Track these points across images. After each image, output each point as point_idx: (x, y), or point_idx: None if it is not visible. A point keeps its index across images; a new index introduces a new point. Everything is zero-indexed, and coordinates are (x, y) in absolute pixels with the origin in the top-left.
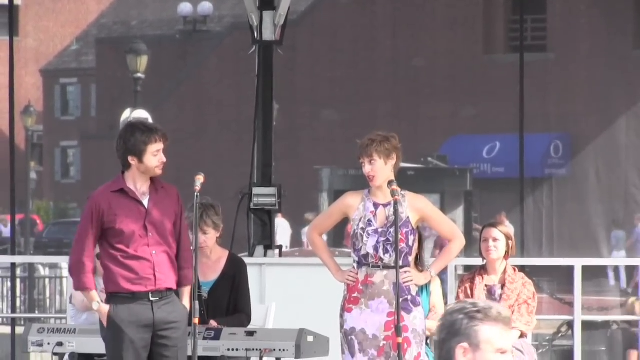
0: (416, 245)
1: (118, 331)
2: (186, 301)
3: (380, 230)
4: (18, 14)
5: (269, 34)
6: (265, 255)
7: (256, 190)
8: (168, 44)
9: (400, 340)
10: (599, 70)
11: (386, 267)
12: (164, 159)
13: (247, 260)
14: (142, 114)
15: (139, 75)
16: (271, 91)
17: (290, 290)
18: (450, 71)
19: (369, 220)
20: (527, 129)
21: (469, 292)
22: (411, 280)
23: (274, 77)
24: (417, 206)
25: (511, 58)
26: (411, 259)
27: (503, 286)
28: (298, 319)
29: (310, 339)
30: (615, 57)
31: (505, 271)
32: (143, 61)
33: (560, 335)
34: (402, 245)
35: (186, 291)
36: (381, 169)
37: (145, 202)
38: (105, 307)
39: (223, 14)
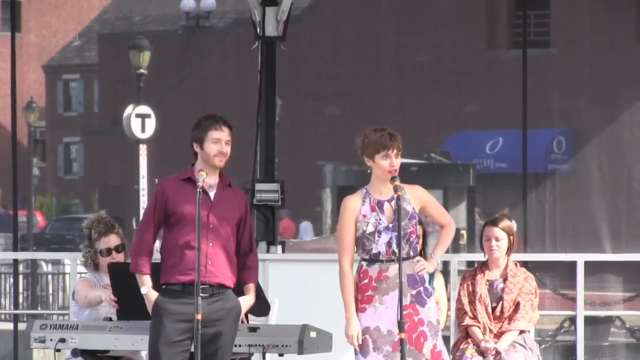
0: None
1: (158, 321)
2: (252, 296)
3: (390, 225)
4: (20, 9)
5: (271, 30)
6: (268, 251)
7: (259, 186)
8: (171, 40)
9: (403, 336)
10: (602, 66)
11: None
12: (224, 150)
13: None
14: (145, 109)
15: (142, 71)
16: (274, 87)
17: (293, 286)
18: (453, 67)
19: (377, 219)
20: (530, 124)
21: (470, 288)
22: (424, 268)
23: (277, 72)
24: (417, 195)
25: (514, 54)
26: (419, 247)
27: (505, 280)
28: (301, 314)
29: (313, 334)
30: (618, 52)
31: (507, 266)
32: (146, 57)
33: (562, 330)
34: (414, 236)
35: (251, 288)
36: (398, 165)
37: (212, 194)
38: (153, 295)
39: (226, 10)
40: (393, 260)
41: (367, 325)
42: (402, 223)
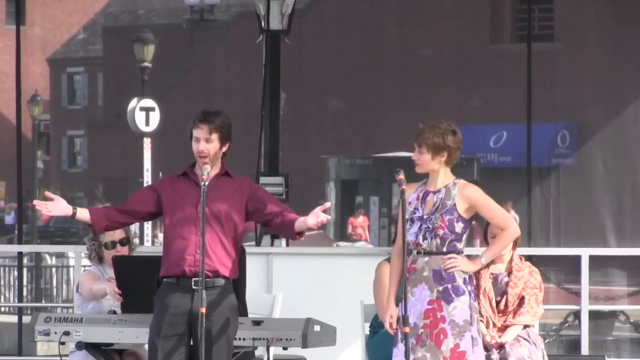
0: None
1: (155, 315)
2: (306, 218)
3: (425, 217)
4: (25, 2)
5: (276, 23)
6: (272, 244)
7: (263, 180)
8: (175, 33)
9: (407, 330)
10: (606, 60)
11: (427, 253)
12: (201, 148)
13: (253, 249)
14: (149, 103)
15: (146, 64)
16: (278, 80)
17: (297, 279)
18: (457, 61)
19: (415, 208)
20: (534, 118)
21: (474, 282)
22: (455, 267)
23: (281, 66)
24: (466, 194)
25: (518, 48)
26: (460, 246)
27: (509, 274)
28: (305, 308)
29: (317, 328)
30: (622, 46)
31: (511, 260)
32: (150, 50)
33: (567, 325)
34: (444, 231)
35: (302, 219)
36: (426, 162)
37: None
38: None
39: (230, 3)
40: (421, 253)
41: (398, 315)
42: (432, 216)
